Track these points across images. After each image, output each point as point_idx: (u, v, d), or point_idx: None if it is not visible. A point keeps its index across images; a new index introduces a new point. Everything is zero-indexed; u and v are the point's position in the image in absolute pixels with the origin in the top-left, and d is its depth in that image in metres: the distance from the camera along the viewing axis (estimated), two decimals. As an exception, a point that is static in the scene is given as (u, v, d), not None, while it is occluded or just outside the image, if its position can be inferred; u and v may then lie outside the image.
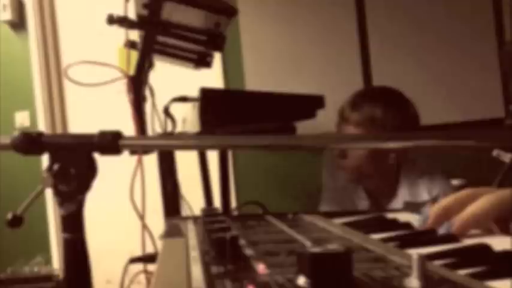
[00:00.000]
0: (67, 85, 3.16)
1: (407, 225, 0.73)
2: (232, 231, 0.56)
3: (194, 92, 1.58)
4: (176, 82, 2.27)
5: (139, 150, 1.31)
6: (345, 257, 0.39)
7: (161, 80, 1.68)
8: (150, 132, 1.56)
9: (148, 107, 1.52)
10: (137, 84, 1.41)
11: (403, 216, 0.81)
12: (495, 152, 1.23)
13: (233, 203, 2.62)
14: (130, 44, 1.51)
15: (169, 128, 1.61)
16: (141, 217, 1.56)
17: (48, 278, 2.69)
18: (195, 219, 0.84)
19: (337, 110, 1.93)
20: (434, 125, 2.71)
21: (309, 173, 2.75)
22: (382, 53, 2.92)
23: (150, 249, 1.62)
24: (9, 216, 0.76)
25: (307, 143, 0.87)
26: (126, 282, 1.94)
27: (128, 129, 1.05)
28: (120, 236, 2.86)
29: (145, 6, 1.40)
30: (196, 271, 0.47)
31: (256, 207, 1.90)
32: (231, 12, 1.51)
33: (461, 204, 0.64)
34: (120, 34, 1.50)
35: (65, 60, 3.14)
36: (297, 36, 2.96)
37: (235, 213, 2.22)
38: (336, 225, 0.76)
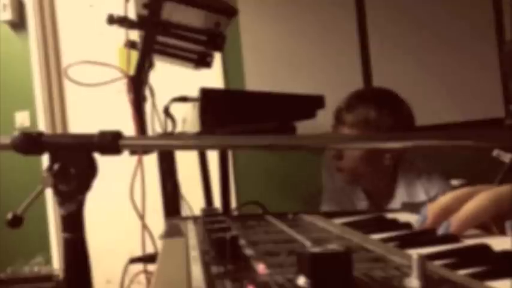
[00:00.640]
0: (67, 85, 3.16)
1: (407, 225, 0.73)
2: (232, 231, 0.56)
3: (194, 92, 1.58)
4: (176, 82, 2.28)
5: (139, 150, 1.31)
6: (345, 257, 0.39)
7: (161, 80, 1.68)
8: (150, 132, 1.56)
9: (148, 107, 1.52)
10: (137, 84, 1.41)
11: (403, 216, 0.81)
12: (495, 152, 1.23)
13: (233, 203, 2.63)
14: (131, 44, 1.51)
15: (169, 128, 1.61)
16: (141, 217, 1.57)
17: (48, 278, 2.69)
18: (195, 219, 0.84)
19: (333, 111, 1.93)
20: (434, 125, 2.71)
21: (309, 173, 2.75)
22: (382, 53, 2.92)
23: (150, 249, 1.62)
24: (9, 216, 0.76)
25: (307, 143, 0.87)
26: (126, 282, 1.94)
27: (128, 129, 1.06)
28: (120, 236, 2.86)
29: (145, 6, 1.40)
30: (196, 271, 0.47)
31: (256, 207, 1.90)
32: (231, 12, 1.51)
33: (459, 203, 0.64)
34: (120, 34, 1.51)
35: (65, 60, 3.14)
36: (297, 36, 2.96)
37: (235, 213, 2.22)
38: (335, 225, 0.76)
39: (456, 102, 2.86)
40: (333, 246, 0.41)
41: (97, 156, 0.79)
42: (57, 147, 0.77)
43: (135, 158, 1.49)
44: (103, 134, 0.79)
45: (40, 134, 0.79)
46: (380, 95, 1.97)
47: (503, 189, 0.63)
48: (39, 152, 0.78)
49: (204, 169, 1.99)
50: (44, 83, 3.17)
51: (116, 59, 1.53)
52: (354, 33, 2.94)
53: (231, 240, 0.51)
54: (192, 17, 1.49)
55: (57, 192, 0.77)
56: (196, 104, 1.55)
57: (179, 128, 1.68)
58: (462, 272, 0.46)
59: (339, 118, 1.91)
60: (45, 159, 0.78)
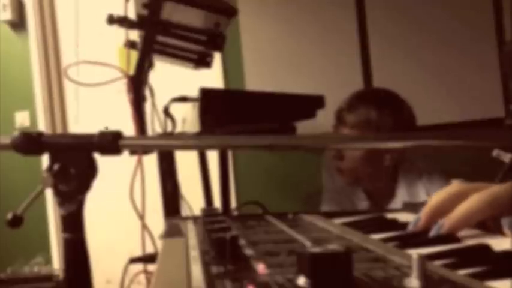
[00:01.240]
0: (67, 85, 3.16)
1: (407, 225, 0.73)
2: (232, 231, 0.56)
3: (194, 92, 1.58)
4: (176, 82, 2.27)
5: (139, 150, 1.31)
6: (345, 257, 0.39)
7: (161, 80, 1.68)
8: (150, 132, 1.56)
9: (148, 107, 1.52)
10: (137, 84, 1.41)
11: (403, 216, 0.81)
12: (495, 152, 1.23)
13: (233, 203, 2.63)
14: (130, 44, 1.51)
15: (169, 128, 1.61)
16: (141, 217, 1.57)
17: (48, 278, 2.69)
18: (195, 219, 0.84)
19: (334, 111, 1.93)
20: (434, 125, 2.71)
21: (309, 173, 2.75)
22: (382, 53, 2.92)
23: (150, 249, 1.62)
24: (9, 216, 0.76)
25: (307, 143, 0.87)
26: (126, 282, 1.94)
27: (128, 129, 1.05)
28: (120, 236, 2.86)
29: (145, 6, 1.40)
30: (196, 271, 0.47)
31: (256, 207, 1.90)
32: (231, 12, 1.51)
33: (452, 203, 0.63)
34: (120, 34, 1.51)
35: (65, 60, 3.14)
36: (297, 36, 2.96)
37: (235, 213, 2.22)
38: (335, 225, 0.76)
39: (456, 102, 2.86)
40: (333, 246, 0.41)
41: (97, 156, 0.79)
42: (57, 147, 0.77)
43: (135, 158, 1.49)
44: (103, 134, 0.79)
45: (40, 134, 0.79)
46: (381, 96, 1.97)
47: (497, 188, 0.62)
48: (39, 152, 0.78)
49: (204, 169, 1.99)
50: (44, 83, 3.16)
51: (115, 59, 1.53)
52: (354, 33, 2.94)
53: (231, 240, 0.51)
54: (192, 17, 1.49)
55: (57, 192, 0.77)
56: (196, 104, 1.55)
57: (179, 128, 1.68)
58: (462, 272, 0.46)
59: (339, 118, 1.91)
60: (45, 159, 0.78)
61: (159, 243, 0.70)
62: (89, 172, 0.78)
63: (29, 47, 3.17)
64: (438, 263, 0.49)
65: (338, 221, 0.82)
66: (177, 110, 1.65)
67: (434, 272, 0.45)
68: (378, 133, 1.79)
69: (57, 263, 3.07)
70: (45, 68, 3.17)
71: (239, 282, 0.43)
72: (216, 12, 1.48)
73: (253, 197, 1.98)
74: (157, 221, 1.36)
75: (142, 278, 1.97)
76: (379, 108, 1.85)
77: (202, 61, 1.64)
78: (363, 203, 1.99)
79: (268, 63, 2.97)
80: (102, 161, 0.80)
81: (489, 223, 0.65)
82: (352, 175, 1.92)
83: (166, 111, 1.61)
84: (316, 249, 0.40)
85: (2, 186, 3.12)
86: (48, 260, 3.07)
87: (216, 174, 1.94)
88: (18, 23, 3.21)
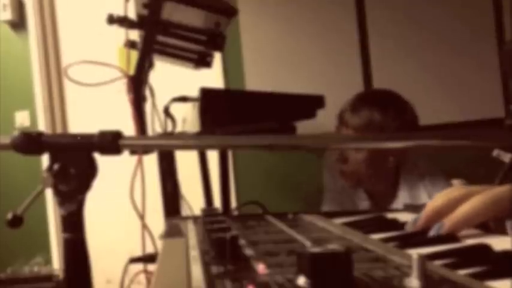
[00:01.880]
0: (67, 85, 3.16)
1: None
2: (232, 231, 0.56)
3: (194, 92, 1.58)
4: (176, 82, 2.27)
5: (139, 150, 1.31)
6: (345, 257, 0.39)
7: (161, 80, 1.68)
8: (150, 132, 1.56)
9: (148, 107, 1.52)
10: (137, 84, 1.41)
11: (404, 217, 0.81)
12: (495, 152, 1.23)
13: (233, 203, 2.63)
14: (131, 44, 1.51)
15: (169, 128, 1.61)
16: (141, 217, 1.57)
17: (48, 278, 2.69)
18: (195, 219, 0.84)
19: (337, 113, 1.93)
20: (434, 125, 2.71)
21: (308, 174, 2.75)
22: (382, 53, 2.92)
23: (150, 249, 1.62)
24: (9, 216, 0.76)
25: (307, 143, 0.86)
26: (126, 282, 1.94)
27: (128, 129, 1.05)
28: (120, 236, 2.86)
29: (145, 6, 1.40)
30: (196, 271, 0.47)
31: (256, 207, 1.90)
32: (231, 12, 1.51)
33: (452, 205, 0.63)
34: (120, 34, 1.51)
35: (65, 60, 3.14)
36: (297, 36, 2.96)
37: (235, 213, 2.22)
38: (335, 225, 0.76)
39: (456, 102, 2.86)
40: (333, 246, 0.41)
41: (97, 156, 0.79)
42: (57, 147, 0.77)
43: (135, 158, 1.49)
44: (103, 134, 0.79)
45: (40, 134, 0.79)
46: (384, 97, 1.96)
47: (498, 190, 0.62)
48: (39, 152, 0.78)
49: (204, 169, 1.99)
50: (44, 83, 3.16)
51: (115, 59, 1.53)
52: (354, 33, 2.94)
53: (231, 240, 0.51)
54: (192, 17, 1.49)
55: (57, 192, 0.77)
56: (196, 104, 1.55)
57: (179, 128, 1.68)
58: (462, 272, 0.46)
59: (342, 120, 1.90)
60: (45, 159, 0.78)
61: (159, 243, 0.70)
62: (89, 172, 0.78)
63: (29, 47, 3.17)
64: (438, 263, 0.49)
65: (338, 221, 0.82)
66: (177, 110, 1.65)
67: (434, 272, 0.45)
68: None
69: (57, 263, 3.07)
70: (45, 68, 3.17)
71: (239, 282, 0.43)
72: (216, 12, 1.48)
73: (253, 197, 1.98)
74: (157, 221, 1.36)
75: (142, 278, 1.97)
76: (383, 109, 1.85)
77: (202, 61, 1.64)
78: (364, 203, 1.99)
79: (268, 63, 2.97)
80: (102, 161, 0.80)
81: (491, 224, 0.65)
82: (355, 177, 1.91)
83: (167, 111, 1.61)
84: (316, 249, 0.40)
85: (2, 186, 3.12)
86: (48, 260, 3.07)
87: (216, 174, 1.94)
88: (18, 23, 3.21)
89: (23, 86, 3.19)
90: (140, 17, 1.45)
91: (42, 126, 3.13)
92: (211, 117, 1.51)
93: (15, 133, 0.79)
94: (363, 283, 0.42)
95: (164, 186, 1.65)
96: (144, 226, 1.59)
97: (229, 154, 2.36)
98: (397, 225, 0.76)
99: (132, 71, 1.42)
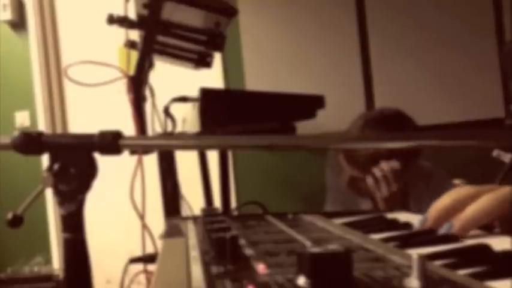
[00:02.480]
0: (67, 85, 3.16)
1: (407, 225, 0.73)
2: (232, 231, 0.56)
3: (194, 92, 1.58)
4: (176, 82, 2.27)
5: (139, 150, 1.31)
6: (345, 257, 0.39)
7: (161, 80, 1.69)
8: (150, 132, 1.56)
9: (148, 107, 1.53)
10: (137, 84, 1.41)
11: (403, 216, 0.81)
12: (495, 152, 1.23)
13: (233, 203, 2.63)
14: (131, 44, 1.51)
15: (169, 128, 1.61)
16: (141, 217, 1.57)
17: (48, 278, 2.69)
18: (195, 219, 0.84)
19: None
20: (434, 125, 2.71)
21: (308, 173, 2.75)
22: (382, 53, 2.92)
23: (150, 249, 1.62)
24: (10, 216, 0.76)
25: (307, 143, 0.86)
26: (126, 282, 1.94)
27: (128, 129, 1.05)
28: (120, 236, 2.86)
29: (145, 6, 1.40)
30: (196, 271, 0.47)
31: (256, 207, 1.90)
32: (231, 12, 1.51)
33: (461, 205, 0.64)
34: (120, 34, 1.51)
35: (65, 60, 3.14)
36: (297, 36, 2.96)
37: (235, 213, 2.22)
38: (335, 225, 0.76)
39: (456, 102, 2.86)
40: (333, 246, 0.41)
41: (97, 156, 0.79)
42: (57, 147, 0.77)
43: (135, 158, 1.49)
44: (103, 134, 0.79)
45: (40, 134, 0.79)
46: (389, 119, 1.95)
47: (506, 190, 0.62)
48: (39, 152, 0.78)
49: (204, 169, 1.99)
50: (44, 83, 3.17)
51: (116, 59, 1.53)
52: (354, 33, 2.94)
53: (231, 240, 0.51)
54: (192, 17, 1.49)
55: (57, 192, 0.76)
56: (196, 104, 1.55)
57: (179, 128, 1.68)
58: (462, 272, 0.46)
59: None
60: (45, 159, 0.78)
61: (159, 243, 0.70)
62: (89, 172, 0.78)
63: (29, 47, 3.18)
64: (438, 263, 0.49)
65: (338, 221, 0.82)
66: (177, 110, 1.65)
67: (434, 272, 0.45)
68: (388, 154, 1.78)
69: (57, 263, 3.07)
70: (45, 68, 3.17)
71: (239, 282, 0.43)
72: (216, 12, 1.48)
73: (253, 197, 1.98)
74: (157, 221, 1.36)
75: (142, 278, 1.98)
76: (388, 131, 1.83)
77: (202, 61, 1.64)
78: (368, 203, 1.99)
79: (268, 63, 2.97)
80: (102, 161, 0.80)
81: (495, 224, 0.65)
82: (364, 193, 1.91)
83: (167, 111, 1.61)
84: (316, 249, 0.40)
85: (2, 186, 3.12)
86: (48, 260, 3.07)
87: (216, 174, 1.94)
88: (18, 23, 3.21)
89: (23, 86, 3.19)
90: (140, 17, 1.45)
91: (42, 126, 3.13)
92: (211, 118, 1.51)
93: (15, 133, 0.79)
94: (362, 283, 0.42)
95: (164, 186, 1.65)
96: (144, 226, 1.59)
97: (229, 154, 2.36)
98: (397, 225, 0.76)
99: (132, 71, 1.42)
